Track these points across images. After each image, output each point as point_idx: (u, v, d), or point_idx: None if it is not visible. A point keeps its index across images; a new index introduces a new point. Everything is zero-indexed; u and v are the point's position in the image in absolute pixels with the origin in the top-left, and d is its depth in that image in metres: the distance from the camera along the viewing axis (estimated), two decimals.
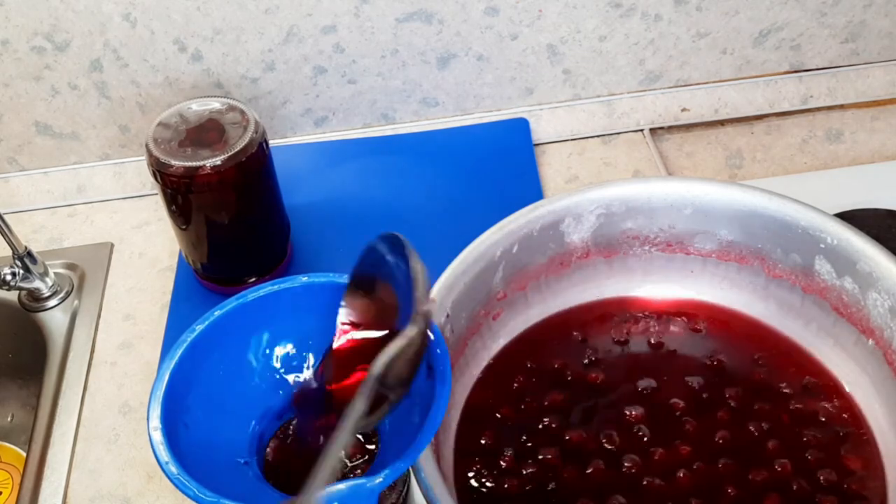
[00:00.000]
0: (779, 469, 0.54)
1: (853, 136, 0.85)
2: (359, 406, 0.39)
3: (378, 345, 0.43)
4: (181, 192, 0.66)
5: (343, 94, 0.83)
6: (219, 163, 0.64)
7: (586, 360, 0.60)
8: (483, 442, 0.56)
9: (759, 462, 0.54)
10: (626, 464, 0.54)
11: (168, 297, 0.75)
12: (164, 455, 0.44)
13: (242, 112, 0.67)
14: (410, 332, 0.41)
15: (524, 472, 0.54)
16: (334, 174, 0.83)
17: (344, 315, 0.48)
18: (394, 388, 0.41)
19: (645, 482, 0.53)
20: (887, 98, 0.88)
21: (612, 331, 0.62)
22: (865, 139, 0.85)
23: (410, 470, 0.48)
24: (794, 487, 0.53)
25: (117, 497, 0.63)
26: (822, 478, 0.53)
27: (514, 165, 0.83)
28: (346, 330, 0.47)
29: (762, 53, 0.85)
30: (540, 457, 0.55)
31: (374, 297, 0.47)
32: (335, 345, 0.47)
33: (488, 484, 0.54)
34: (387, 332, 0.46)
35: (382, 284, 0.46)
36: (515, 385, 0.59)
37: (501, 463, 0.55)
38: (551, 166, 0.84)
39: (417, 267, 0.42)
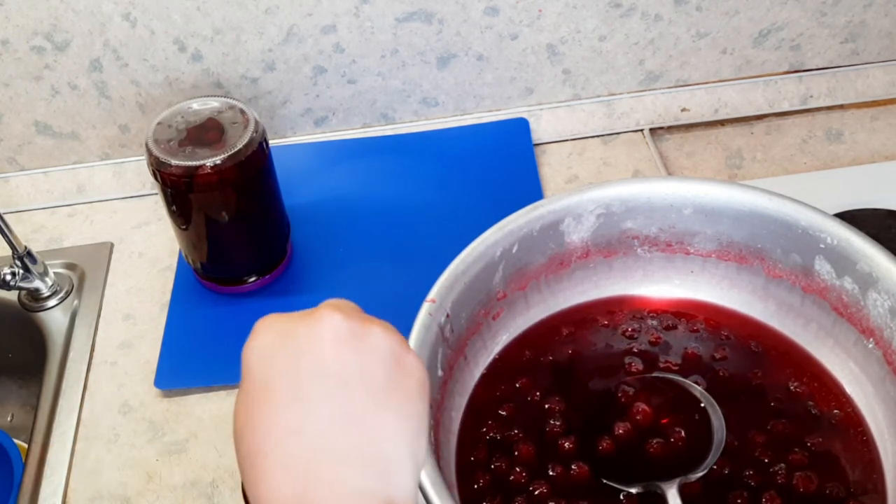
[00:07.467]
0: (778, 470, 0.54)
1: (853, 136, 0.85)
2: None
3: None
4: (181, 192, 0.66)
5: (343, 93, 0.83)
6: (219, 162, 0.64)
7: (587, 361, 0.60)
8: (484, 442, 0.56)
9: (758, 462, 0.54)
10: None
11: (168, 297, 0.75)
12: None
13: (242, 112, 0.67)
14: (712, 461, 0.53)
15: (525, 472, 0.54)
16: (334, 174, 0.83)
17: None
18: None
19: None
20: (887, 98, 0.88)
21: (612, 331, 0.62)
22: (865, 139, 0.85)
23: None
24: (794, 487, 0.53)
25: (117, 497, 0.63)
26: (821, 478, 0.53)
27: (514, 165, 0.83)
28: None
29: (762, 53, 0.85)
30: (541, 456, 0.55)
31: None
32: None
33: (487, 483, 0.54)
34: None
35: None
36: (517, 385, 0.59)
37: (502, 463, 0.55)
38: (551, 166, 0.84)
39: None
